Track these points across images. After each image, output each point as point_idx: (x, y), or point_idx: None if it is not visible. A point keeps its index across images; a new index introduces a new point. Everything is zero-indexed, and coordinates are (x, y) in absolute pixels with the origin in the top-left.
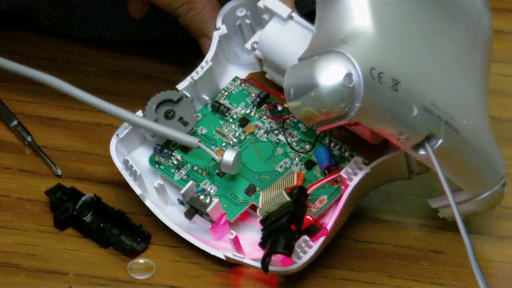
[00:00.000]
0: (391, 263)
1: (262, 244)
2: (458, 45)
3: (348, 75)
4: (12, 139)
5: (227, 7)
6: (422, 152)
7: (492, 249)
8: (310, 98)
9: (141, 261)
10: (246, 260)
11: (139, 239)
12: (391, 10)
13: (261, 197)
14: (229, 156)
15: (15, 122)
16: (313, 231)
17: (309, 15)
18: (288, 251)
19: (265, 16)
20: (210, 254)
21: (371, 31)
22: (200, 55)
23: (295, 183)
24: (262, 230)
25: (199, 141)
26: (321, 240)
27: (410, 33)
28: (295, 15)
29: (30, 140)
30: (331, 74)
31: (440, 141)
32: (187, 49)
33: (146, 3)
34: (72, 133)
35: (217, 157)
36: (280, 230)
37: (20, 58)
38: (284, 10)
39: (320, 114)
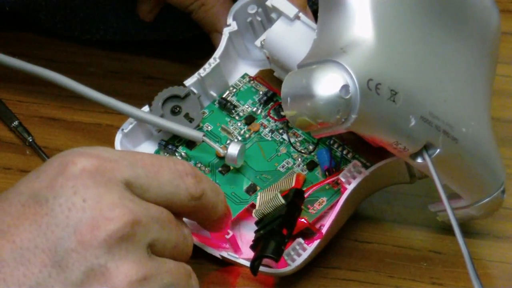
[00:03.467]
0: (391, 263)
1: (253, 247)
2: (461, 52)
3: (345, 87)
4: (13, 139)
5: (238, 4)
6: (419, 160)
7: (492, 250)
8: (306, 108)
9: None
10: (241, 260)
11: None
12: (393, 19)
13: (258, 197)
14: (233, 149)
15: (15, 123)
16: (308, 233)
17: None
18: (277, 255)
19: (273, 15)
20: (211, 254)
21: (371, 40)
22: (202, 55)
23: (293, 184)
24: (255, 232)
25: (203, 135)
26: (315, 243)
27: (410, 43)
28: (302, 15)
29: (30, 140)
30: (327, 85)
31: (438, 150)
32: (188, 50)
33: (156, 5)
34: (73, 134)
35: (221, 151)
36: (271, 234)
37: (21, 59)
38: (291, 10)
39: (316, 124)
